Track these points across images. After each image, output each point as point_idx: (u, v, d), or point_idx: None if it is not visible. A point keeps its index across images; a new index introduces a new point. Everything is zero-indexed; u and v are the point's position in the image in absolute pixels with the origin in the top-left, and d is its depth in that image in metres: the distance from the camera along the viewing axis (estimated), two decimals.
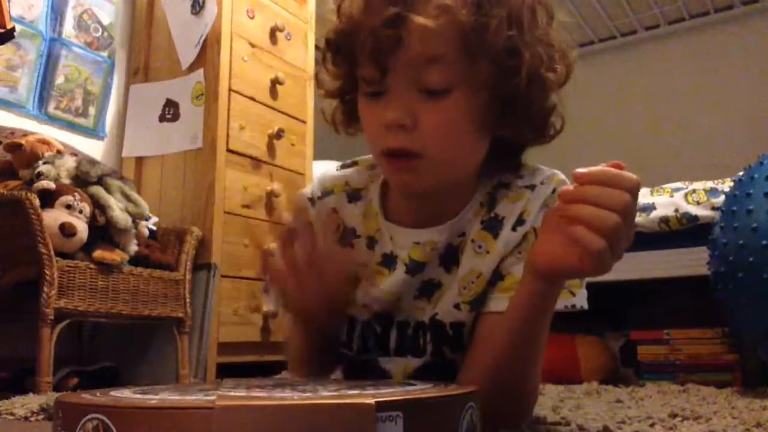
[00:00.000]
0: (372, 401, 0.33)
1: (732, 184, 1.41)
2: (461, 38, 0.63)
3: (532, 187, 0.72)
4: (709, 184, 1.89)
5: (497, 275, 0.72)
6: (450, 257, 0.75)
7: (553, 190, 0.72)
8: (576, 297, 0.71)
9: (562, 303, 0.70)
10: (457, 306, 0.74)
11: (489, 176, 0.75)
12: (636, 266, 1.91)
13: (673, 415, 0.94)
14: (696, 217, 1.83)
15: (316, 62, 2.53)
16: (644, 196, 1.96)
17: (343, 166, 0.84)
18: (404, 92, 0.65)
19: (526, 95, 0.66)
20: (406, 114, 0.64)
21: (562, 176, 0.74)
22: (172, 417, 0.32)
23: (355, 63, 0.68)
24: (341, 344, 0.81)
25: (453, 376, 0.73)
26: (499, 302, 0.70)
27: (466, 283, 0.73)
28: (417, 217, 0.75)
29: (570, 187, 0.56)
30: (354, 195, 0.80)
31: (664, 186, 1.97)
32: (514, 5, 0.65)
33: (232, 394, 0.38)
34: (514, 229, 0.71)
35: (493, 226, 0.72)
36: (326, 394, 0.37)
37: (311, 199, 0.82)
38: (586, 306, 0.72)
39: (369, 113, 0.69)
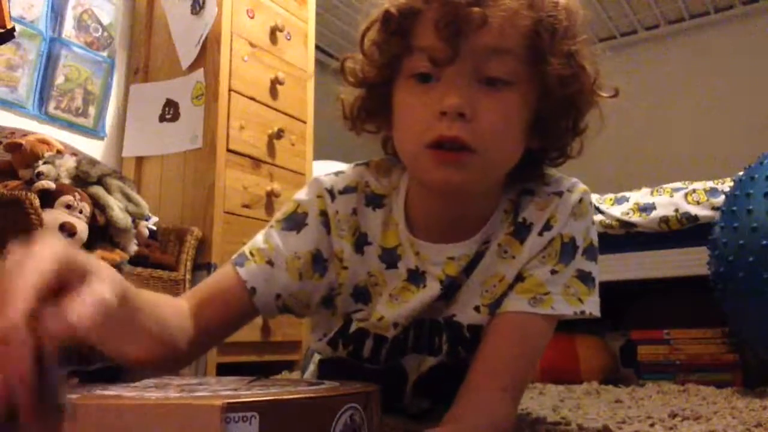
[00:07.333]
0: (220, 402, 0.35)
1: (732, 184, 1.41)
2: (534, 35, 0.61)
3: (560, 194, 0.72)
4: (709, 184, 1.89)
5: (518, 277, 0.72)
6: (473, 263, 0.74)
7: (580, 200, 0.72)
8: (584, 304, 0.70)
9: (571, 309, 0.69)
10: (477, 308, 0.73)
11: (511, 185, 0.74)
12: (636, 266, 1.91)
13: (673, 415, 0.94)
14: (696, 217, 1.82)
15: (317, 61, 2.53)
16: (644, 196, 1.96)
17: (356, 166, 0.79)
18: (464, 80, 0.61)
19: (572, 108, 0.66)
20: (467, 102, 0.60)
21: (585, 186, 0.75)
22: None
23: (409, 45, 0.64)
24: (366, 360, 0.78)
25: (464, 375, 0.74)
26: (516, 302, 0.70)
27: (489, 287, 0.73)
28: (442, 229, 0.73)
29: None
30: (373, 200, 0.75)
31: (664, 186, 1.97)
32: (575, 19, 0.65)
33: (98, 393, 0.42)
34: (541, 234, 0.71)
35: (520, 231, 0.72)
36: (175, 395, 0.40)
37: (330, 191, 0.75)
38: (598, 313, 0.71)
39: (417, 99, 0.63)
